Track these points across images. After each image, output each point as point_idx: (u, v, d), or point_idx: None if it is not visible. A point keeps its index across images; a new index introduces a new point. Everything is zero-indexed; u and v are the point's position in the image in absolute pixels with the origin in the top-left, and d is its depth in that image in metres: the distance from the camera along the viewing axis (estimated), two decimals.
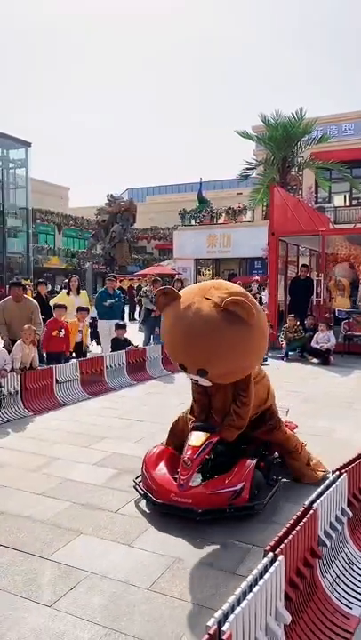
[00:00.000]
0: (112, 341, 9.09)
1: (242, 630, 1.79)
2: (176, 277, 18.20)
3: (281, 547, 2.17)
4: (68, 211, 44.31)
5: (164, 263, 34.19)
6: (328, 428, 5.69)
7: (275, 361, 10.48)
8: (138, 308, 17.76)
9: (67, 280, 11.43)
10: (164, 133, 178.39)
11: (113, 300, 9.88)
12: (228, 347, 3.25)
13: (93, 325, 10.20)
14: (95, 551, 3.11)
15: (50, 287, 15.45)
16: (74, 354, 8.64)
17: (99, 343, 10.44)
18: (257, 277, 17.26)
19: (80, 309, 9.01)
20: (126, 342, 8.95)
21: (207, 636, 1.67)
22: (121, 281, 21.82)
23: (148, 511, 3.62)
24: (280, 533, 2.31)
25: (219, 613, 1.75)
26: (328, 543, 2.65)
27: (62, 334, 8.03)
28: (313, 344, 10.49)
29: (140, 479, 3.86)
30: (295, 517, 2.47)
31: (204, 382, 3.55)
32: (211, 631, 1.68)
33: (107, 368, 7.91)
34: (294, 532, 2.31)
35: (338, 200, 26.57)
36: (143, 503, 3.72)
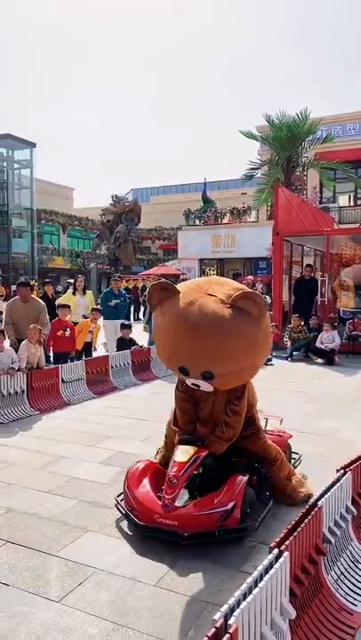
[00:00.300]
0: (117, 341, 9.14)
1: (248, 624, 1.82)
2: (181, 277, 18.25)
3: (286, 543, 2.20)
4: (72, 211, 44.38)
5: (168, 263, 34.19)
6: (333, 427, 5.71)
7: (279, 361, 10.50)
8: (142, 308, 17.81)
9: (69, 281, 11.49)
10: (165, 133, 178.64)
11: (118, 300, 9.93)
12: (238, 346, 3.02)
13: None
14: (102, 548, 3.15)
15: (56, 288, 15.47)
16: (83, 354, 8.70)
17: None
18: (251, 277, 17.13)
19: (93, 310, 9.06)
20: (131, 342, 9.00)
21: (214, 630, 1.70)
22: (127, 281, 21.86)
23: (130, 533, 3.31)
24: (285, 530, 2.34)
25: (225, 607, 1.79)
26: (333, 541, 2.68)
27: (67, 334, 8.08)
28: (317, 344, 10.50)
29: (121, 497, 3.54)
30: (300, 515, 2.50)
31: (207, 388, 3.23)
32: (217, 625, 1.71)
33: (112, 368, 7.96)
34: (299, 529, 2.34)
35: (342, 200, 26.52)
36: (125, 523, 3.41)
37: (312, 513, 2.50)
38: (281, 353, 10.97)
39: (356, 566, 2.82)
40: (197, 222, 30.16)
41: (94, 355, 8.93)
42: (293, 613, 2.10)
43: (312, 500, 2.64)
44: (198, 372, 3.12)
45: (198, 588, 2.74)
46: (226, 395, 3.45)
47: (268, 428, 4.07)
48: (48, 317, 7.63)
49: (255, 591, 1.89)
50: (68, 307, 8.50)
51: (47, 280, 12.16)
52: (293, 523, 2.41)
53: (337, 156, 20.63)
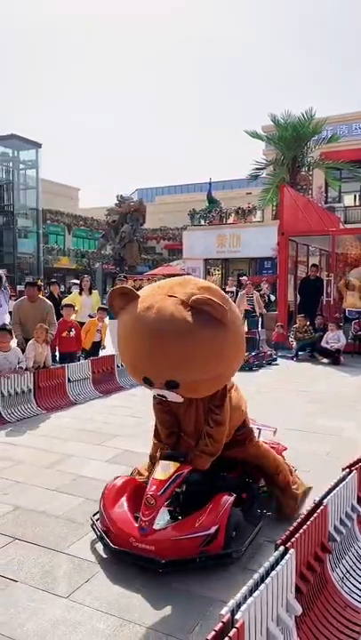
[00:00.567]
0: None
1: (254, 620, 1.85)
2: None
3: (292, 540, 2.23)
4: (77, 211, 44.52)
5: (173, 263, 34.24)
6: (338, 427, 5.72)
7: (285, 361, 10.52)
8: None
9: (72, 281, 11.54)
10: (165, 133, 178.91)
11: None
12: (201, 350, 2.72)
13: None
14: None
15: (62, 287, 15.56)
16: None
17: None
18: (245, 277, 17.10)
19: (100, 309, 9.11)
20: None
21: (221, 624, 1.73)
22: (135, 281, 21.90)
23: (104, 556, 3.02)
24: (291, 528, 2.37)
25: (232, 603, 1.81)
26: (338, 539, 2.70)
27: (72, 334, 8.14)
28: (323, 344, 10.51)
29: (97, 516, 3.25)
30: (306, 513, 2.52)
31: (175, 398, 2.94)
32: (224, 619, 1.74)
33: (117, 367, 8.00)
34: (305, 526, 2.37)
35: (348, 200, 26.46)
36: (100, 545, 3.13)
37: (318, 511, 2.53)
38: (286, 353, 10.98)
39: None
40: (202, 222, 30.16)
41: (104, 353, 8.97)
42: (299, 609, 2.13)
43: (318, 499, 2.66)
44: (161, 382, 2.84)
45: (205, 585, 2.76)
46: (206, 404, 3.19)
47: (260, 440, 3.76)
48: (55, 317, 7.68)
49: (261, 587, 1.91)
50: (73, 306, 8.55)
51: (53, 280, 12.23)
52: (299, 520, 2.44)
53: (342, 155, 20.62)
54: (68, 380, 7.03)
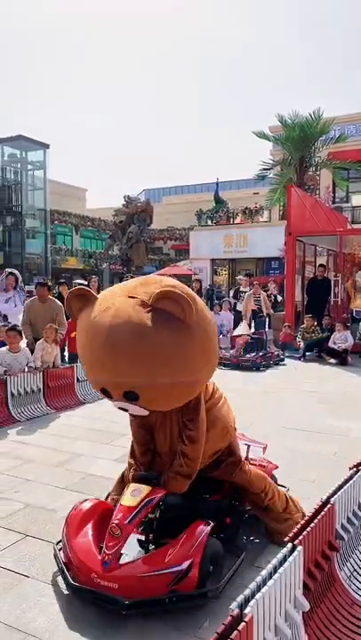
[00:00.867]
0: None
1: (263, 615, 1.88)
2: (193, 278, 18.29)
3: (300, 538, 2.26)
4: (85, 212, 44.68)
5: (180, 264, 34.25)
6: (345, 427, 5.73)
7: (292, 361, 10.52)
8: None
9: (77, 280, 11.60)
10: (165, 133, 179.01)
11: None
12: (162, 356, 2.40)
13: None
14: None
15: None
16: None
17: None
18: (241, 277, 17.02)
19: None
20: None
21: (230, 619, 1.76)
22: None
23: (65, 592, 2.66)
24: (299, 525, 2.40)
25: (240, 598, 1.85)
26: (345, 537, 2.73)
27: None
28: (330, 344, 10.50)
29: (60, 545, 2.86)
30: (314, 511, 2.55)
31: (138, 412, 2.61)
32: (233, 614, 1.78)
33: None
34: (313, 524, 2.40)
35: (356, 200, 26.38)
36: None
37: (325, 509, 2.55)
38: (294, 353, 10.98)
39: None
40: (209, 222, 30.19)
41: None
42: (307, 606, 2.15)
43: (325, 497, 2.68)
44: (119, 392, 2.53)
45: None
46: (180, 418, 2.83)
47: (250, 456, 3.47)
48: (65, 317, 7.73)
49: (270, 583, 1.94)
50: None
51: (61, 280, 12.30)
52: (307, 518, 2.46)
53: (350, 155, 20.56)
54: (77, 379, 7.09)
